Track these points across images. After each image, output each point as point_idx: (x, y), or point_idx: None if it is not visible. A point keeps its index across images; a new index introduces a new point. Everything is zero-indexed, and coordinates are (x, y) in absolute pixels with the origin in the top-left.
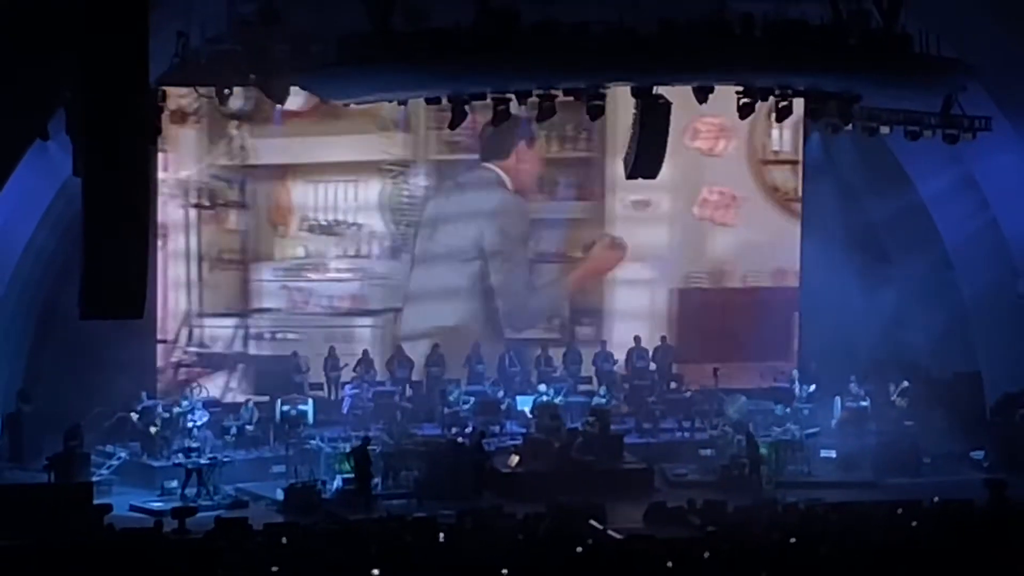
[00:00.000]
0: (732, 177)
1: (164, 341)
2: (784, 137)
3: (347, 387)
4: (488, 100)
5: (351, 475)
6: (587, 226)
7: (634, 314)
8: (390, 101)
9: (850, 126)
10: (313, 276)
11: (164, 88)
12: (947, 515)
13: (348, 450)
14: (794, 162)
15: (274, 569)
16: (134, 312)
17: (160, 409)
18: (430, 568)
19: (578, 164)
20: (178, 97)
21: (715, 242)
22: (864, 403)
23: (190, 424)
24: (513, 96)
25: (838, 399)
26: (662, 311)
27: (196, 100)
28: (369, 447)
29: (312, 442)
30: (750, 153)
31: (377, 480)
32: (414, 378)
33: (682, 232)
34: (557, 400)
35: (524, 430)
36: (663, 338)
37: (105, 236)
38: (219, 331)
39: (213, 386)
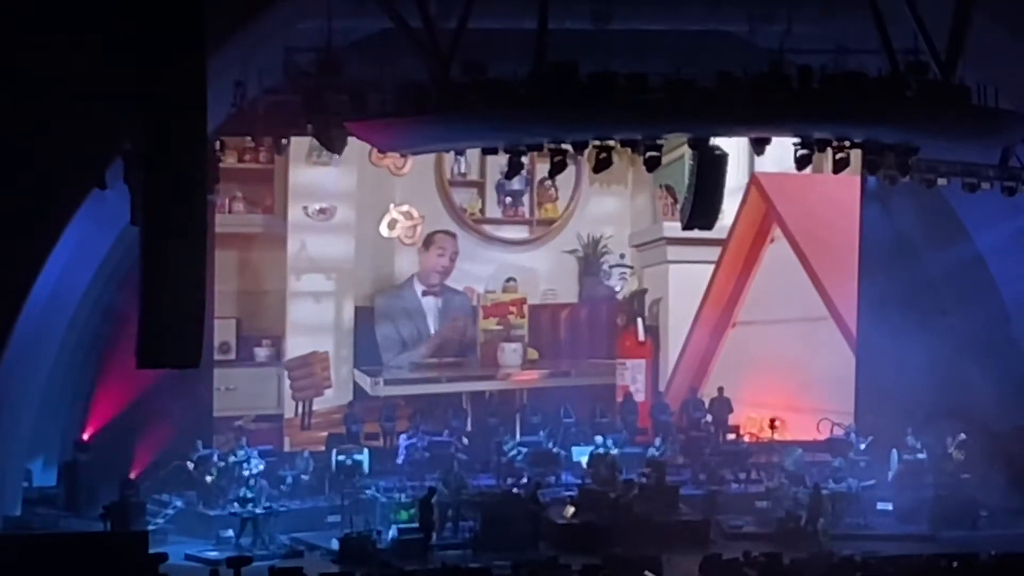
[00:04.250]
0: (418, 196)
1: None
2: (468, 159)
3: (402, 437)
4: (545, 150)
5: (407, 525)
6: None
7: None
8: (447, 151)
9: (908, 177)
10: None
11: (221, 138)
12: (1004, 569)
13: (411, 499)
14: (480, 184)
15: None
16: (191, 361)
17: (216, 458)
18: None
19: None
20: None
21: (402, 260)
22: (921, 456)
23: (246, 473)
24: (570, 146)
25: (895, 452)
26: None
27: None
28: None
29: (367, 492)
30: (437, 173)
31: (434, 530)
32: (468, 428)
33: (370, 249)
34: (613, 451)
35: (579, 481)
36: (720, 389)
37: (162, 285)
38: None
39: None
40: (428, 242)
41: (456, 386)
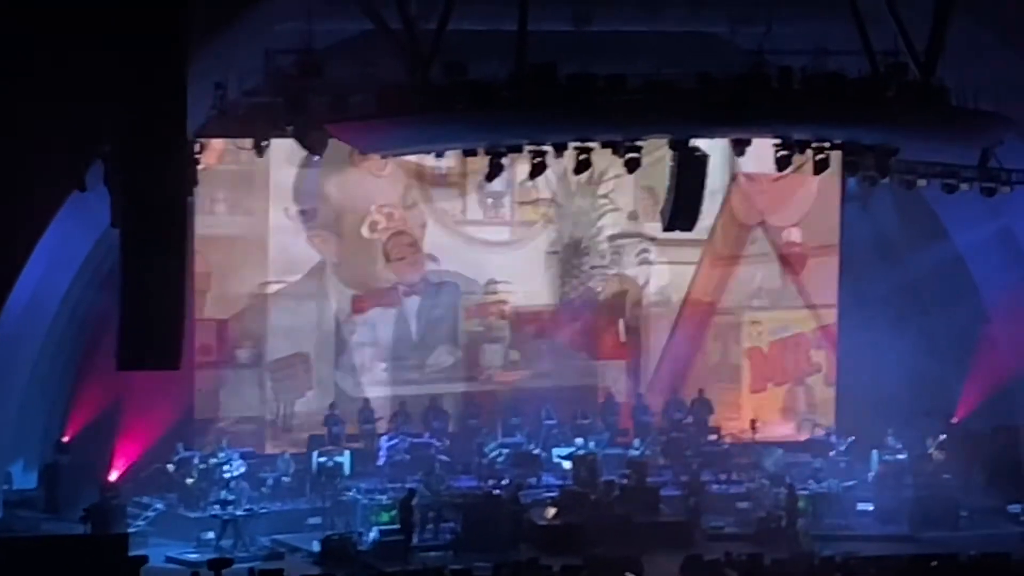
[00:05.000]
0: (399, 198)
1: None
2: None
3: (383, 439)
4: (525, 152)
5: (388, 527)
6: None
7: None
8: (427, 153)
9: (887, 178)
10: None
11: (201, 140)
12: (984, 569)
13: (392, 501)
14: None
15: None
16: (171, 363)
17: (196, 460)
18: None
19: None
20: None
21: (383, 262)
22: (901, 456)
23: (226, 475)
24: (550, 148)
25: (875, 452)
26: None
27: None
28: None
29: (349, 494)
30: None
31: (415, 532)
32: (449, 430)
33: (351, 250)
34: (594, 452)
35: (561, 482)
36: (700, 390)
37: (143, 287)
38: None
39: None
40: (385, 254)
41: (437, 387)
